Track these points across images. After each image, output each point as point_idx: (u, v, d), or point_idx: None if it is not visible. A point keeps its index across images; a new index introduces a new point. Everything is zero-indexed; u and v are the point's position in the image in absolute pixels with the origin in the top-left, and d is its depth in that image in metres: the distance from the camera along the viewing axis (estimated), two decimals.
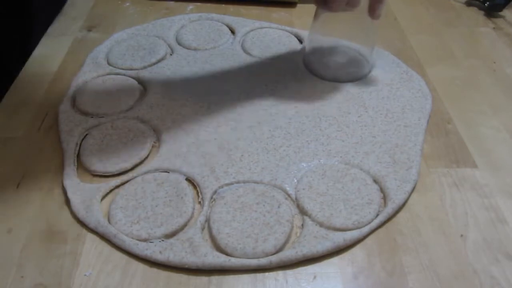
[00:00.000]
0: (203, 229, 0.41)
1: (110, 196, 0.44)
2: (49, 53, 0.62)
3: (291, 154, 0.48)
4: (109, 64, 0.60)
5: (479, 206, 0.44)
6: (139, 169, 0.46)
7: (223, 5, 0.73)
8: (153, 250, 0.39)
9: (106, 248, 0.40)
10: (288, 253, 0.38)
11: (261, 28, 0.67)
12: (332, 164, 0.46)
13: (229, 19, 0.68)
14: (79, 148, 0.48)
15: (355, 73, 0.58)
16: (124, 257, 0.39)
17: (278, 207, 0.42)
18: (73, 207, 0.42)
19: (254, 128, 0.50)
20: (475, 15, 0.73)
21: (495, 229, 0.42)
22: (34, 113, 0.53)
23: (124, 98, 0.54)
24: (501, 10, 0.72)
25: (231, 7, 0.72)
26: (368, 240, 0.41)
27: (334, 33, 0.58)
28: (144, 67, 0.59)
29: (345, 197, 0.43)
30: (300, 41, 0.65)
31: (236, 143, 0.49)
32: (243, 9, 0.72)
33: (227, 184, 0.44)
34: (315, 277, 0.38)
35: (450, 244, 0.40)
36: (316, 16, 0.55)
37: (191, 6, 0.73)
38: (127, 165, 0.46)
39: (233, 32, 0.66)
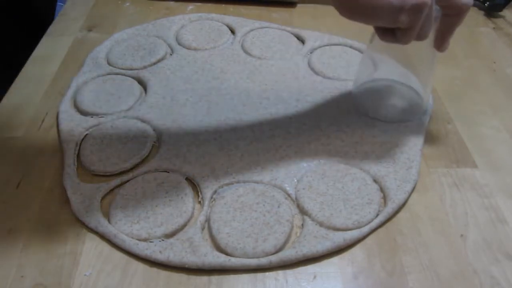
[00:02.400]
0: (203, 229, 0.41)
1: (110, 196, 0.44)
2: (49, 53, 0.62)
3: (291, 154, 0.47)
4: (109, 64, 0.60)
5: (479, 206, 0.44)
6: (139, 169, 0.46)
7: (223, 5, 0.73)
8: (153, 250, 0.39)
9: (106, 248, 0.40)
10: (288, 253, 0.38)
11: (261, 28, 0.67)
12: (332, 164, 0.46)
13: (229, 19, 0.68)
14: (79, 148, 0.48)
15: (410, 117, 0.52)
16: (124, 257, 0.39)
17: (278, 207, 0.42)
18: (73, 207, 0.42)
19: (254, 127, 0.50)
20: (475, 15, 0.73)
21: (495, 229, 0.42)
22: (34, 113, 0.53)
23: (124, 98, 0.54)
24: (501, 10, 0.72)
25: (231, 7, 0.72)
26: (368, 240, 0.41)
27: (393, 56, 0.50)
28: (144, 67, 0.59)
29: (345, 197, 0.43)
30: (301, 41, 0.65)
31: (236, 143, 0.49)
32: (243, 9, 0.72)
33: (227, 184, 0.44)
34: (315, 277, 0.38)
35: (450, 244, 0.40)
36: (373, 39, 0.48)
37: (191, 6, 0.73)
38: (127, 165, 0.46)
39: (233, 32, 0.66)
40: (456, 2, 0.41)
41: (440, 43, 0.45)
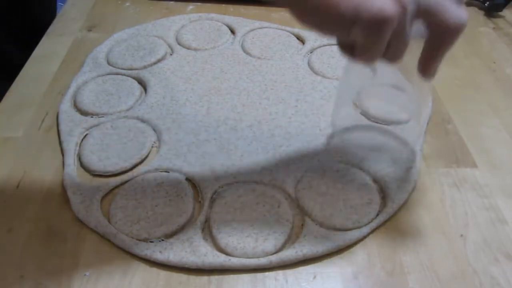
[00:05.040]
0: (203, 229, 0.41)
1: (110, 196, 0.44)
2: (49, 53, 0.62)
3: (291, 154, 0.47)
4: (109, 64, 0.60)
5: (479, 206, 0.44)
6: (139, 169, 0.46)
7: (223, 5, 0.73)
8: (153, 250, 0.39)
9: (106, 248, 0.40)
10: (288, 253, 0.38)
11: (261, 28, 0.67)
12: (332, 164, 0.46)
13: (229, 19, 0.68)
14: (79, 148, 0.48)
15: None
16: (124, 257, 0.39)
17: (278, 207, 0.42)
18: (73, 207, 0.42)
19: (254, 127, 0.50)
20: (475, 15, 0.73)
21: (495, 229, 0.42)
22: (34, 113, 0.53)
23: (124, 98, 0.54)
24: (501, 10, 0.72)
25: (231, 7, 0.72)
26: (368, 240, 0.41)
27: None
28: (144, 67, 0.59)
29: (345, 197, 0.43)
30: (301, 41, 0.65)
31: (236, 143, 0.49)
32: (243, 9, 0.72)
33: (227, 184, 0.44)
34: (315, 276, 0.38)
35: (450, 244, 0.40)
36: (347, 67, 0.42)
37: (191, 6, 0.73)
38: (127, 165, 0.46)
39: (233, 32, 0.66)
40: (441, 22, 0.32)
41: (423, 67, 0.36)
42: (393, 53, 0.34)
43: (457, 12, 0.32)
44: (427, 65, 0.36)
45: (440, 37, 0.34)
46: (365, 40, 0.32)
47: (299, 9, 0.33)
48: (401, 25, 0.32)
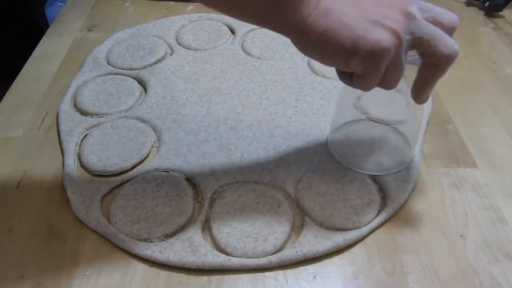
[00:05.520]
0: (203, 228, 0.41)
1: (110, 196, 0.44)
2: (49, 53, 0.62)
3: (291, 154, 0.47)
4: (109, 64, 0.60)
5: (479, 206, 0.44)
6: (139, 169, 0.46)
7: None
8: (153, 250, 0.39)
9: (106, 248, 0.40)
10: (288, 253, 0.38)
11: (261, 28, 0.67)
12: (332, 164, 0.46)
13: (229, 19, 0.68)
14: (79, 148, 0.48)
15: (395, 166, 0.46)
16: (124, 257, 0.39)
17: (278, 207, 0.42)
18: (73, 207, 0.42)
19: (254, 127, 0.50)
20: (475, 15, 0.73)
21: (495, 229, 0.42)
22: (34, 113, 0.53)
23: (124, 98, 0.54)
24: (501, 10, 0.72)
25: None
26: (368, 240, 0.41)
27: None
28: (144, 67, 0.59)
29: (345, 197, 0.43)
30: None
31: (236, 143, 0.49)
32: None
33: (227, 184, 0.44)
34: (315, 276, 0.38)
35: (450, 244, 0.40)
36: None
37: (191, 6, 0.73)
38: (127, 165, 0.46)
39: (233, 32, 0.66)
40: (435, 52, 0.34)
41: (417, 93, 0.38)
42: (388, 81, 0.36)
43: (450, 42, 0.34)
44: (421, 92, 0.38)
45: (434, 65, 0.35)
46: (363, 70, 0.34)
47: (302, 40, 0.35)
48: (397, 56, 0.34)
